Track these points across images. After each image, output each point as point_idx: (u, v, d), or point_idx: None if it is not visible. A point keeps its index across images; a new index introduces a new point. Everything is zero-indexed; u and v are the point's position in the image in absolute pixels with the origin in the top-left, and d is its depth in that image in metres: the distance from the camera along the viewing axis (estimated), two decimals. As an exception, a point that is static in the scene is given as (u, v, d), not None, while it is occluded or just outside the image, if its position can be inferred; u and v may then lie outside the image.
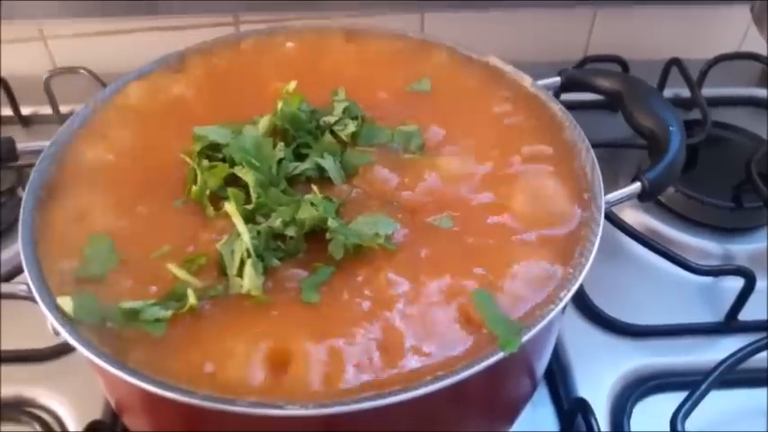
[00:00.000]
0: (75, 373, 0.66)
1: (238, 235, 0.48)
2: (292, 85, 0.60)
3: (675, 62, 0.94)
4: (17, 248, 0.51)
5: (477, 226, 0.53)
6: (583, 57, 0.99)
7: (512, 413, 0.60)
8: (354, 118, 0.60)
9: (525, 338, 0.45)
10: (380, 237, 0.50)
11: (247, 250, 0.47)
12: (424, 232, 0.52)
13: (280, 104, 0.58)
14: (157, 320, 0.45)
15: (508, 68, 0.66)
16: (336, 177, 0.56)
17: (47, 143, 0.59)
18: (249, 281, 0.46)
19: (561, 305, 0.47)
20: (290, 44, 0.70)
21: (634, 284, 0.76)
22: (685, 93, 0.94)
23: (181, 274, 0.48)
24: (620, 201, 0.56)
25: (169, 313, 0.46)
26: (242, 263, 0.47)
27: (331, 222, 0.49)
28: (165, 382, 0.43)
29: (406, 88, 0.66)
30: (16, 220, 0.53)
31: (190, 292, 0.46)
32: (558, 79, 0.68)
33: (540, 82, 0.66)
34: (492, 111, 0.63)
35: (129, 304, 0.46)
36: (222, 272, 0.48)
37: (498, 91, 0.65)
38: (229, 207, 0.50)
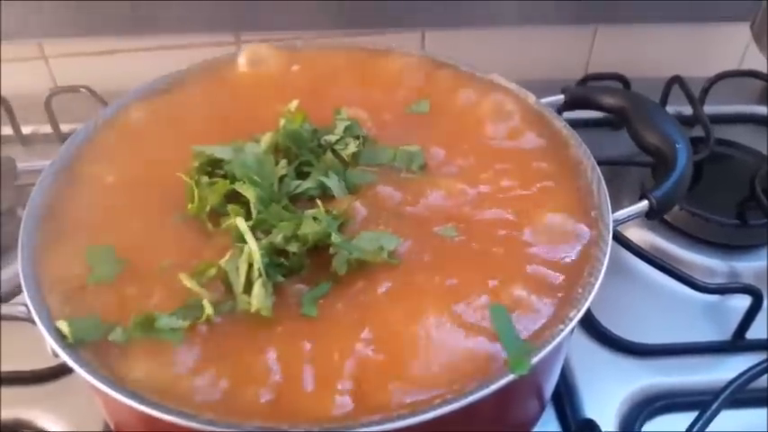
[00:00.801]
0: (73, 395, 0.65)
1: (241, 251, 0.48)
2: (294, 103, 0.59)
3: (677, 80, 0.94)
4: (16, 269, 0.50)
5: (482, 237, 0.53)
6: (583, 75, 0.99)
7: (519, 435, 0.59)
8: (356, 137, 0.60)
9: (535, 360, 0.44)
10: (384, 251, 0.49)
11: (258, 270, 0.46)
12: (430, 242, 0.52)
13: (282, 122, 0.57)
14: (173, 330, 0.45)
15: (512, 86, 0.66)
16: (340, 195, 0.55)
17: (47, 162, 0.58)
18: (258, 301, 0.46)
19: (571, 325, 0.46)
20: (295, 67, 0.69)
21: (640, 303, 0.75)
22: (687, 110, 0.93)
23: (192, 285, 0.48)
24: (628, 219, 0.56)
25: (186, 323, 0.45)
26: (248, 280, 0.46)
27: (334, 237, 0.49)
28: (167, 405, 0.43)
29: (405, 110, 0.65)
30: (16, 239, 0.53)
31: (206, 303, 0.46)
32: (561, 97, 0.67)
33: (544, 100, 0.65)
34: (496, 129, 0.63)
35: (144, 314, 0.45)
36: (228, 288, 0.48)
37: (502, 108, 0.64)
38: (240, 223, 0.49)
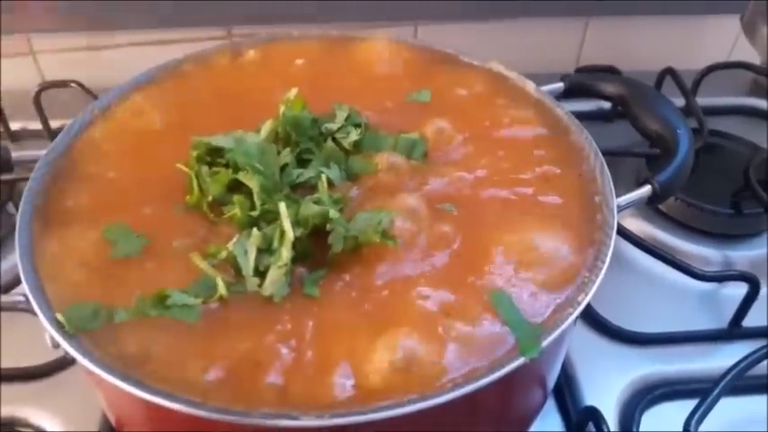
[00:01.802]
0: (67, 392, 0.64)
1: (248, 235, 0.47)
2: (294, 91, 0.59)
3: (669, 71, 0.94)
4: (11, 262, 0.49)
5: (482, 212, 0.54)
6: (575, 68, 0.99)
7: (523, 425, 0.59)
8: (357, 125, 0.59)
9: (545, 343, 0.44)
10: (380, 229, 0.49)
11: (287, 259, 0.46)
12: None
13: (282, 108, 0.57)
14: (187, 307, 0.44)
15: (511, 74, 0.66)
16: (339, 184, 0.55)
17: (43, 152, 0.57)
18: (274, 287, 0.46)
19: (580, 308, 0.46)
20: (299, 61, 0.69)
21: (637, 294, 0.76)
22: (679, 102, 0.94)
23: (203, 265, 0.47)
24: (631, 204, 0.56)
25: (199, 301, 0.45)
26: (257, 267, 0.46)
27: (332, 213, 0.49)
28: (172, 392, 0.42)
29: (406, 98, 0.65)
30: (7, 234, 0.51)
31: (219, 282, 0.46)
32: (560, 85, 0.68)
33: (544, 88, 0.65)
34: (496, 117, 0.62)
35: (156, 291, 0.45)
36: (238, 272, 0.47)
37: (502, 97, 0.64)
38: (282, 209, 0.48)
